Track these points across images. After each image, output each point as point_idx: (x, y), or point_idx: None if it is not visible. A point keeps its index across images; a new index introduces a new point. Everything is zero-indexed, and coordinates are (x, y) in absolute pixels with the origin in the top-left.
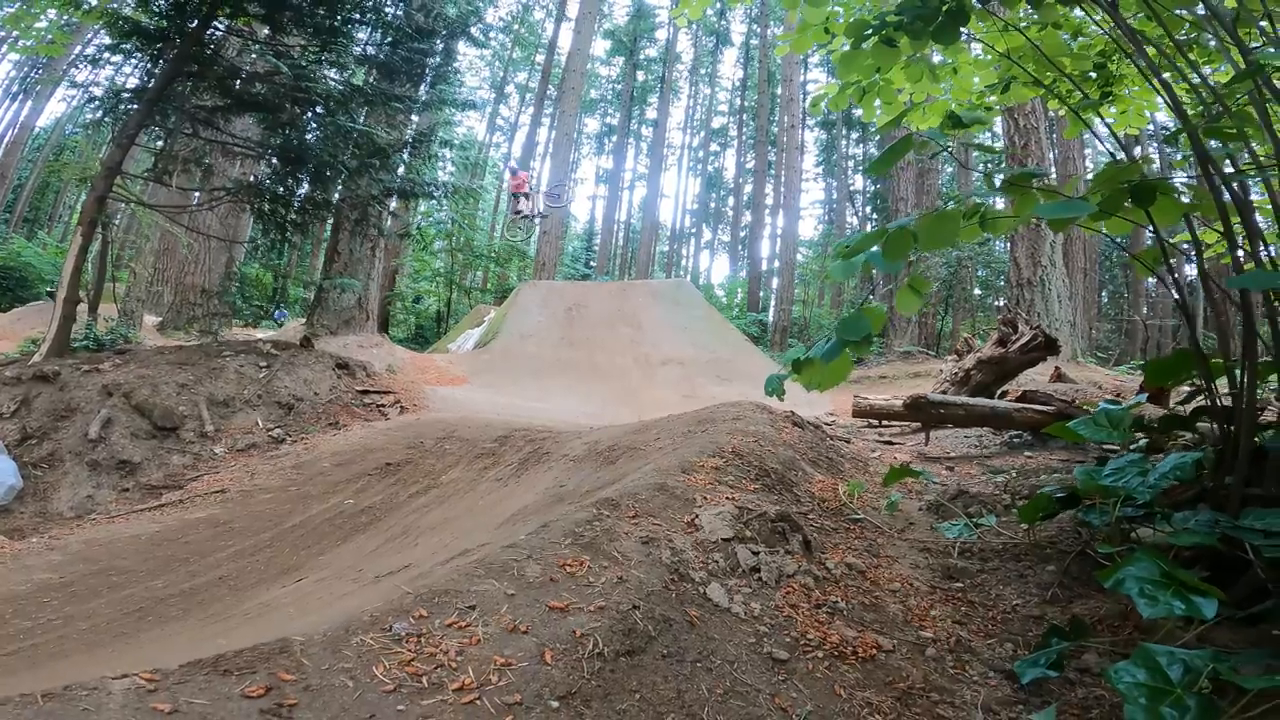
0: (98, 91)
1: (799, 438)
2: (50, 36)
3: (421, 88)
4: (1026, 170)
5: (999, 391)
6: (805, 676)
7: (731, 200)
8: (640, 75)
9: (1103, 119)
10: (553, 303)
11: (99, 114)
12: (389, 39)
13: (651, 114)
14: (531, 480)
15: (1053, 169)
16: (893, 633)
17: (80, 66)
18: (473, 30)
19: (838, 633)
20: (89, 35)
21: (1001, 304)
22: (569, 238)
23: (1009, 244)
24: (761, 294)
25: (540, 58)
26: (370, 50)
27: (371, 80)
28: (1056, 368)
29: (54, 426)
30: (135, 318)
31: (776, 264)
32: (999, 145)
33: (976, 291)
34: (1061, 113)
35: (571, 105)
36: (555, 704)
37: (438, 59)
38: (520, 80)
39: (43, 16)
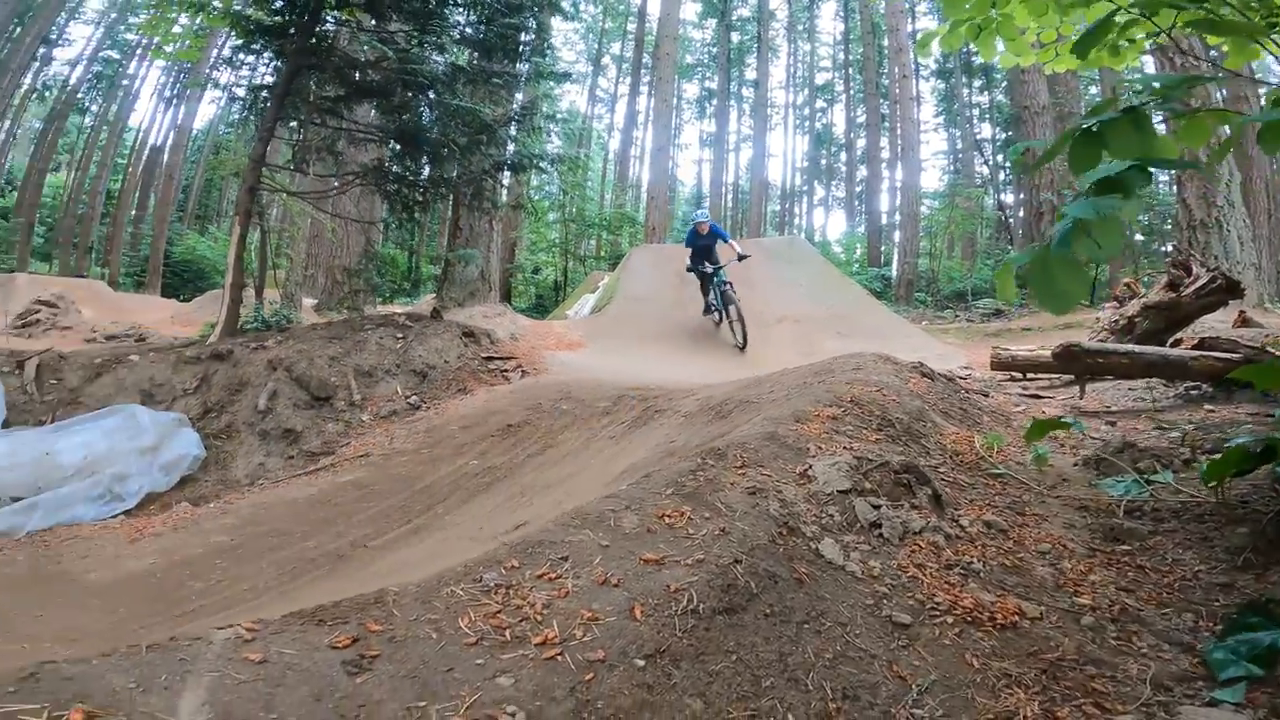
0: (240, 91)
1: (928, 388)
2: (187, 42)
3: (519, 64)
4: (1187, 76)
5: (1169, 340)
6: (930, 643)
7: (844, 156)
8: (735, 36)
9: (1267, 49)
10: (663, 266)
11: (242, 112)
12: (482, 17)
13: (751, 74)
14: (643, 437)
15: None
16: (1040, 598)
17: (220, 69)
18: (563, 4)
19: (972, 596)
20: (222, 39)
21: (1169, 249)
22: (677, 202)
23: (1175, 185)
24: (883, 249)
25: (632, 26)
26: (468, 31)
27: (473, 59)
28: (1241, 312)
29: (229, 400)
30: (295, 300)
31: (898, 217)
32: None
33: (1138, 237)
34: (1224, 46)
35: (667, 72)
36: (641, 663)
37: (531, 35)
38: (615, 51)
39: (175, 24)
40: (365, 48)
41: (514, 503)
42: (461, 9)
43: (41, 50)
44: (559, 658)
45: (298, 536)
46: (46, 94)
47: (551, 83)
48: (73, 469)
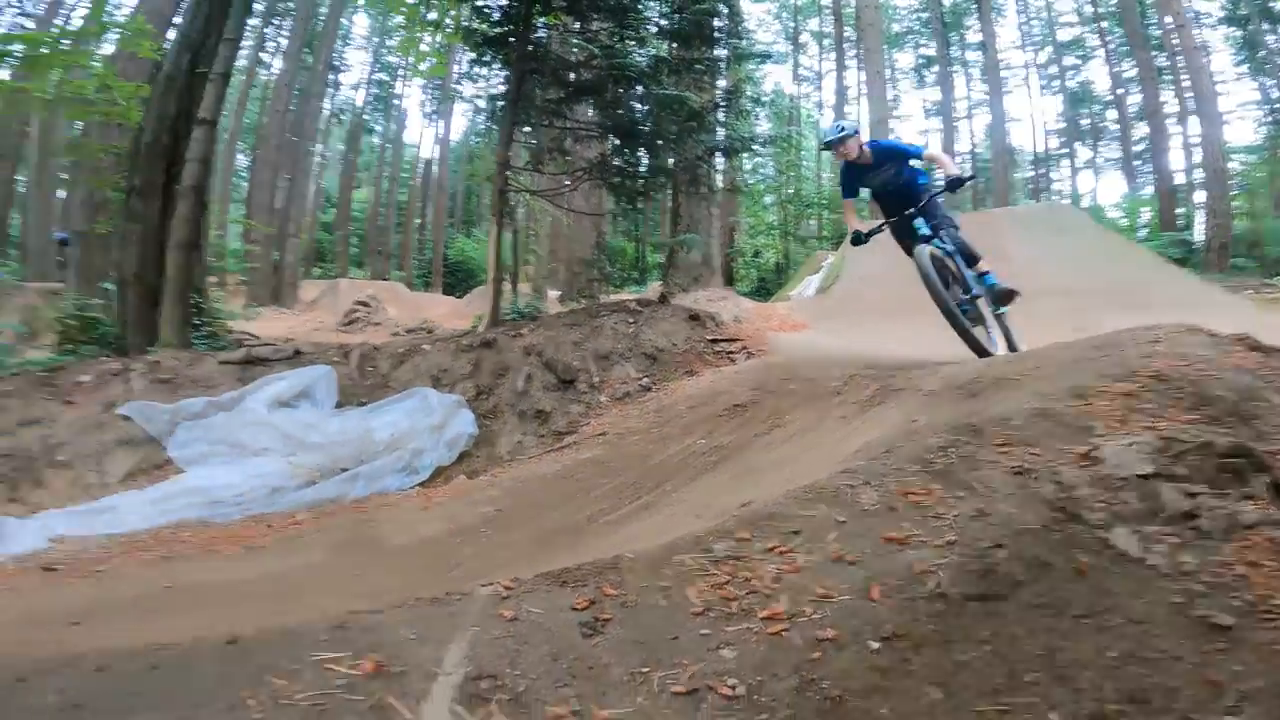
0: (480, 103)
1: (1260, 363)
2: (433, 59)
3: (717, 49)
4: None
5: None
6: (1260, 648)
7: (1114, 114)
8: None
9: None
10: (892, 241)
11: (486, 121)
12: (674, 6)
13: (974, 36)
14: (879, 416)
15: None
16: None
17: (462, 83)
18: None
19: None
20: (459, 54)
21: None
22: None
23: None
24: (1180, 211)
25: (827, 0)
26: (662, 23)
27: (672, 49)
28: None
29: (495, 383)
30: (542, 291)
31: (1198, 175)
32: None
33: None
34: None
35: (874, 42)
36: (876, 645)
37: (724, 20)
38: (813, 27)
39: (422, 44)
40: (575, 49)
41: (740, 481)
42: (654, 1)
43: (330, 76)
44: (785, 634)
45: (546, 509)
46: (343, 118)
47: (751, 64)
48: (383, 444)
